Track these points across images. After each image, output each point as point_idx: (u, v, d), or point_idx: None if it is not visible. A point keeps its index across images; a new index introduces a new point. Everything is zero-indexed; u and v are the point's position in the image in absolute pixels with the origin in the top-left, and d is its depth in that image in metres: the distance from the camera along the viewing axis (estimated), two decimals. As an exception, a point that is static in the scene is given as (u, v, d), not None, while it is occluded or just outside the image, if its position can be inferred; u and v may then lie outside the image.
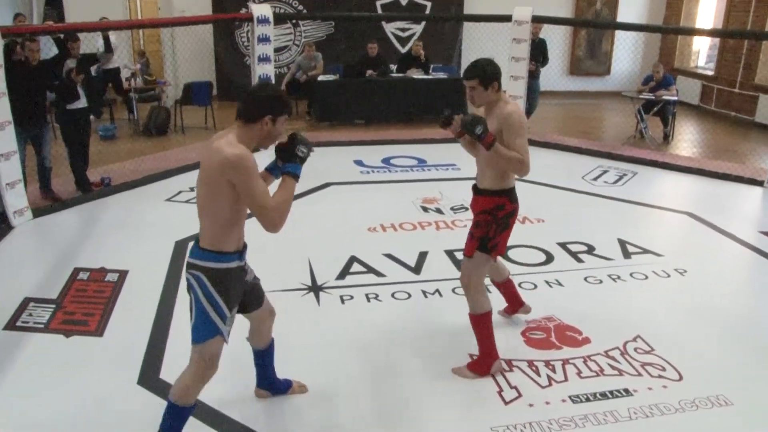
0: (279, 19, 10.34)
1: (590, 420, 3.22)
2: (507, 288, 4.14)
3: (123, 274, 4.81)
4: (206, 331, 2.74)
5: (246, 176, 2.56)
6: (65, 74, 6.52)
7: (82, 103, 6.72)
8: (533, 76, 9.05)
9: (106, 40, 7.19)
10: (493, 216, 3.51)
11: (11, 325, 4.14)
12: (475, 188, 3.64)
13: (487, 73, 3.35)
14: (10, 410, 3.31)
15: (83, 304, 4.43)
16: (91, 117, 6.70)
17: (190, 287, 2.76)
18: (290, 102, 2.79)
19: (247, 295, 2.93)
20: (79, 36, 6.79)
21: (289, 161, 2.78)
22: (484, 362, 3.61)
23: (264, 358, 3.29)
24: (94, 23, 7.12)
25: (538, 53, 9.06)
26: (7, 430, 3.16)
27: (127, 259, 5.10)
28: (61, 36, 6.84)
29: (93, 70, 7.05)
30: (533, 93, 9.13)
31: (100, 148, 8.36)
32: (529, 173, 3.40)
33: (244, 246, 2.83)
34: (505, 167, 3.40)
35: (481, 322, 3.58)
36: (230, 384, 3.42)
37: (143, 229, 5.84)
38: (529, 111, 9.14)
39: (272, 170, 2.89)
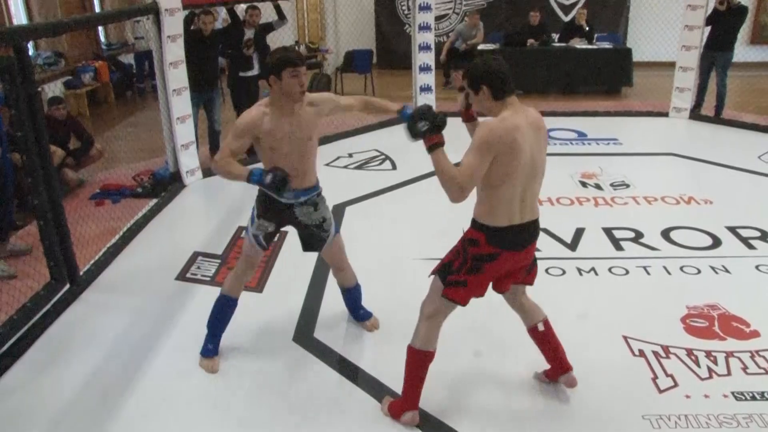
0: (440, -14, 10.28)
1: (756, 421, 2.98)
2: (543, 341, 3.15)
3: (283, 234, 4.97)
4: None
5: (230, 132, 3.19)
6: (243, 44, 6.87)
7: (254, 71, 7.05)
8: (728, 48, 8.11)
9: (278, 8, 7.49)
10: (464, 248, 2.81)
11: (182, 276, 4.50)
12: None
13: (474, 72, 2.63)
14: (181, 354, 3.59)
15: (246, 261, 4.70)
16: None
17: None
18: (292, 56, 3.02)
19: (302, 232, 3.46)
20: (258, 6, 7.14)
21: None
22: (401, 405, 3.01)
23: (348, 295, 3.81)
24: (261, -7, 7.41)
25: (738, 22, 8.08)
26: (179, 369, 3.44)
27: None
28: (234, 7, 7.18)
29: (268, 38, 7.38)
30: (725, 70, 8.19)
31: (265, 114, 8.73)
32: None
33: (303, 189, 3.30)
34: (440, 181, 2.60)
35: (414, 360, 2.94)
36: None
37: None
38: (721, 96, 8.31)
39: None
